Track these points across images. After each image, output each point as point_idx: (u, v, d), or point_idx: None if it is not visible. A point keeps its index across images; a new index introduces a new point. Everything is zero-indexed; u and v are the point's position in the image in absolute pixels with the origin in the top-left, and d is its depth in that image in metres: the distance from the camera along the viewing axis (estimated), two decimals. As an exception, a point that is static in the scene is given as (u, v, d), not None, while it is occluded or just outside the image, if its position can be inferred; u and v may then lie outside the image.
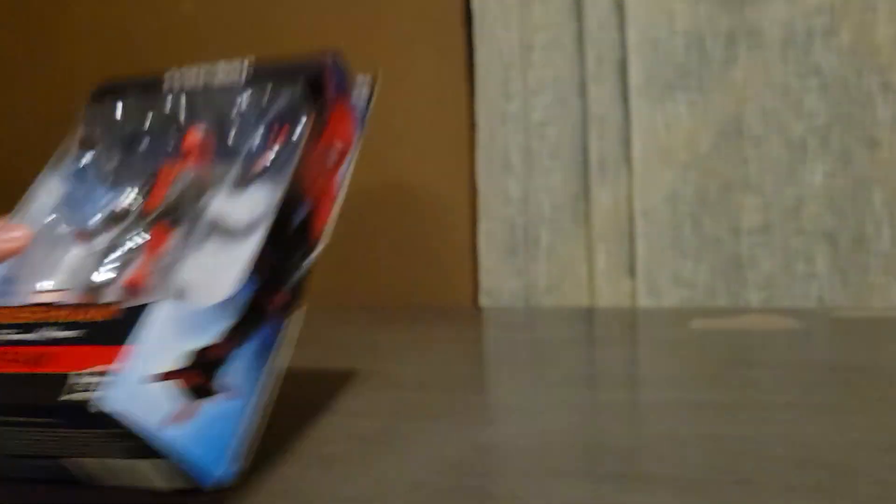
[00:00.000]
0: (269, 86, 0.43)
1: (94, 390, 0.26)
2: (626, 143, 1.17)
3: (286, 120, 0.42)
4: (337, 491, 0.34)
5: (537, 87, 1.17)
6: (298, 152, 0.39)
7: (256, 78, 0.43)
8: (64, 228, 0.42)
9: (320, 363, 0.63)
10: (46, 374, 0.28)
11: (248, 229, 0.38)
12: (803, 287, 1.10)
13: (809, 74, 1.06)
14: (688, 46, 1.13)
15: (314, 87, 0.42)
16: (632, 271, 1.20)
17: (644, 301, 1.13)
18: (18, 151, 1.46)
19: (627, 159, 1.17)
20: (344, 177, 0.45)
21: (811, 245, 1.10)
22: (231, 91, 0.43)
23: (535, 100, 1.17)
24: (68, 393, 0.27)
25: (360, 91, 0.47)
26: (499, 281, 1.24)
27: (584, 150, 1.20)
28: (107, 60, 1.51)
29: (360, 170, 1.46)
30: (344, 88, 0.45)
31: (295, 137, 0.41)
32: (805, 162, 1.10)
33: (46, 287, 0.39)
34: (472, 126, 1.31)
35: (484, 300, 1.25)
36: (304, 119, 0.41)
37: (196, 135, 0.43)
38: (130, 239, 0.39)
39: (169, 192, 0.41)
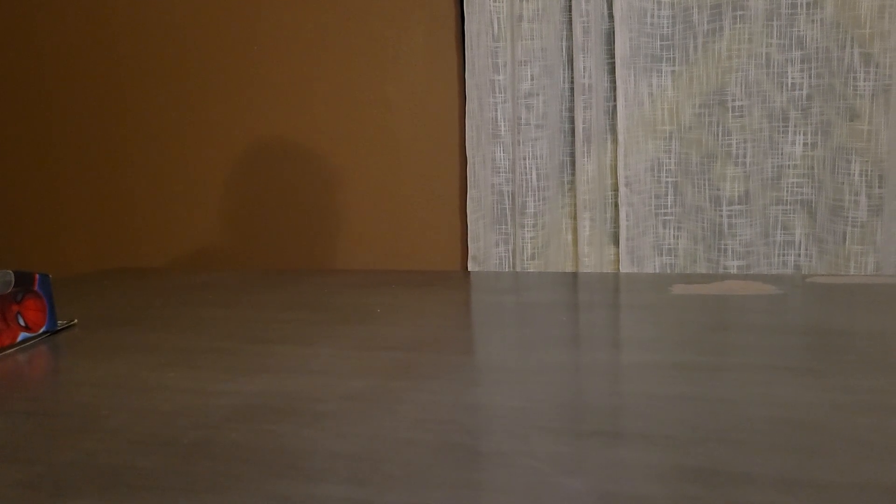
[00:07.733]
0: None
1: None
2: (612, 113, 1.17)
3: None
4: (330, 448, 0.35)
5: (525, 58, 1.17)
6: None
7: None
8: None
9: (313, 325, 0.64)
10: None
11: None
12: (781, 254, 1.12)
13: (792, 47, 1.07)
14: (673, 18, 1.13)
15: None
16: (615, 239, 1.21)
17: (626, 267, 1.14)
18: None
19: (612, 129, 1.18)
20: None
21: (790, 214, 1.12)
22: None
23: (523, 70, 1.17)
24: None
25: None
26: (486, 247, 1.25)
27: (571, 120, 1.21)
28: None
29: (352, 137, 1.45)
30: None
31: None
32: (786, 133, 1.11)
33: None
34: (461, 96, 1.30)
35: (472, 265, 1.26)
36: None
37: None
38: None
39: None
